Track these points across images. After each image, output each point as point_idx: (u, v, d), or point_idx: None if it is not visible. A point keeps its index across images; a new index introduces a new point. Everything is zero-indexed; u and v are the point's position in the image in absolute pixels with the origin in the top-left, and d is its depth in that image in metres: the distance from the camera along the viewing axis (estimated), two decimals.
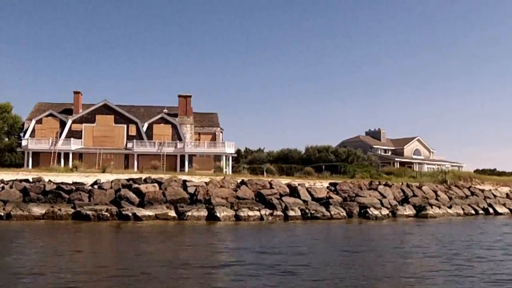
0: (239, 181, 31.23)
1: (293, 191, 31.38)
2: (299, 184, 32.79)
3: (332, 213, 29.65)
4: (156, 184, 29.34)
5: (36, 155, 52.49)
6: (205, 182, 30.07)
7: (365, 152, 72.66)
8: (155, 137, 55.73)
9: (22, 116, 57.36)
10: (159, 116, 56.68)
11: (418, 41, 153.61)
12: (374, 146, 74.39)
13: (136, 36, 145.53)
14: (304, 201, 30.57)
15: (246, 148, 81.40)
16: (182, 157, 54.39)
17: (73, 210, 26.16)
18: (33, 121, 54.10)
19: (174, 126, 56.70)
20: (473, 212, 37.65)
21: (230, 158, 56.36)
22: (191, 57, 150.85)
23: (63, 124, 54.68)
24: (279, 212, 28.42)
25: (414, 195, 37.01)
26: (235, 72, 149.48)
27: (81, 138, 54.26)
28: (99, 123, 55.00)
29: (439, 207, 36.08)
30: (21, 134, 55.59)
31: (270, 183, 31.47)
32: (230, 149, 56.13)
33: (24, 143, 52.25)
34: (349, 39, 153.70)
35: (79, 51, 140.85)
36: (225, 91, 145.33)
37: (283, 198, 30.00)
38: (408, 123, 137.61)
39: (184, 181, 29.88)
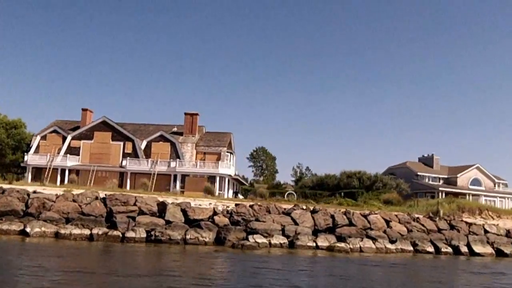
0: (102, 195, 27.78)
1: (162, 210, 27.25)
2: (178, 204, 28.43)
3: (188, 237, 25.02)
4: None
5: (39, 170, 53.44)
6: (57, 195, 27.11)
7: (409, 180, 64.63)
8: (153, 156, 53.97)
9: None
10: (158, 134, 54.98)
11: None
12: (420, 173, 65.54)
13: (167, 53, 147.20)
14: (168, 221, 26.31)
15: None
16: (176, 176, 52.10)
17: None
18: (38, 137, 55.33)
19: (173, 144, 54.57)
20: (430, 250, 30.31)
21: (227, 180, 52.58)
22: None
23: (66, 140, 55.25)
24: (117, 233, 24.54)
25: (350, 224, 30.66)
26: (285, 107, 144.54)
27: (79, 154, 54.29)
28: (97, 140, 54.60)
29: (374, 240, 29.49)
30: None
31: (136, 198, 27.60)
32: (226, 170, 52.51)
33: (26, 158, 53.54)
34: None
35: (97, 69, 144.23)
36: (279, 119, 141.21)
37: (139, 217, 26.08)
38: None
39: (29, 193, 27.19)
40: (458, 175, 65.81)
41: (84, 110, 57.63)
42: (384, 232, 31.01)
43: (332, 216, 30.75)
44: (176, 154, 54.00)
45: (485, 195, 64.80)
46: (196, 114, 57.21)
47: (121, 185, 51.70)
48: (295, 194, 55.66)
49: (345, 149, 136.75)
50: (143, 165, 52.66)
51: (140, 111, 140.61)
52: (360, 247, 28.53)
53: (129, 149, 54.11)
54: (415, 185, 64.38)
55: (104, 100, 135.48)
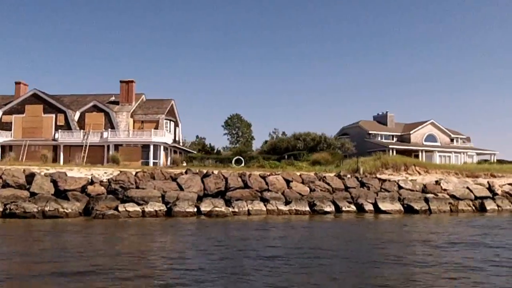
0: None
1: (30, 182, 25.73)
2: (50, 174, 26.87)
3: (47, 209, 23.53)
4: None
5: None
6: None
7: (361, 139, 63.15)
8: (87, 127, 52.25)
9: None
10: (91, 104, 53.09)
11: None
12: (372, 132, 63.83)
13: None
14: (34, 193, 24.83)
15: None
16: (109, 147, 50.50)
17: None
18: None
19: (107, 114, 52.79)
20: (329, 209, 29.25)
21: (161, 148, 50.90)
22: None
23: None
24: None
25: (245, 187, 29.25)
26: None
27: (11, 130, 52.58)
28: (28, 114, 52.71)
29: (266, 202, 28.14)
30: None
31: (3, 171, 26.05)
32: (161, 138, 50.80)
33: None
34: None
35: (36, 42, 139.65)
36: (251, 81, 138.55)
37: (0, 190, 24.61)
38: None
39: None
40: (411, 132, 64.05)
41: (17, 83, 55.61)
42: (283, 193, 29.61)
43: (226, 179, 29.30)
44: (110, 124, 52.28)
45: (439, 151, 63.18)
46: (132, 82, 55.30)
47: (56, 158, 50.19)
48: (242, 160, 54.20)
49: (318, 111, 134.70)
50: (75, 137, 50.94)
51: (84, 83, 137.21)
52: (249, 210, 27.21)
53: (61, 121, 52.30)
54: (367, 144, 62.79)
55: (44, 73, 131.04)
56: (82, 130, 51.36)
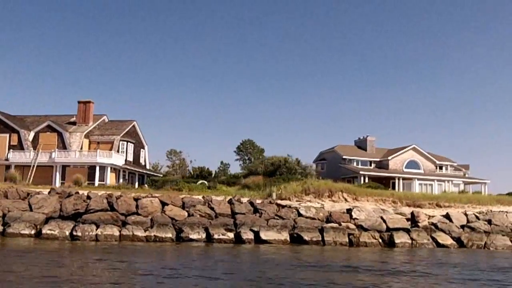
0: None
1: None
2: None
3: None
4: None
5: None
6: None
7: (337, 164, 59.98)
8: (42, 147, 51.74)
9: None
10: (45, 124, 52.67)
11: None
12: (346, 157, 60.30)
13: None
14: None
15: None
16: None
17: None
18: None
19: (60, 134, 52.10)
20: (195, 237, 26.62)
21: (108, 169, 49.40)
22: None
23: None
24: None
25: (111, 209, 27.16)
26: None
27: None
28: None
29: (121, 227, 25.99)
30: None
31: None
32: (109, 160, 49.46)
33: None
34: None
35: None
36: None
37: None
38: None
39: None
40: (389, 158, 60.06)
41: None
42: (152, 218, 27.26)
43: (89, 199, 27.31)
44: (63, 144, 51.54)
45: (419, 179, 58.85)
46: (90, 102, 54.84)
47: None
48: (206, 183, 52.28)
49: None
50: (27, 157, 50.37)
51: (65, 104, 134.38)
52: (97, 235, 24.99)
53: (15, 141, 52.00)
54: (342, 169, 59.42)
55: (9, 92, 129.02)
56: (34, 150, 50.78)
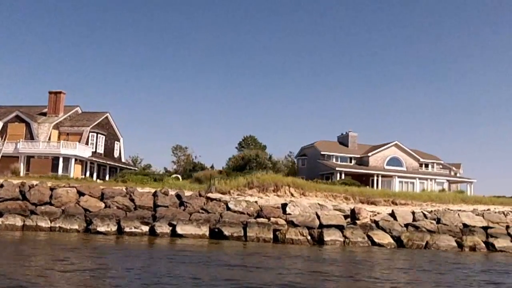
0: None
1: None
2: None
3: None
4: None
5: None
6: None
7: (315, 160, 58.37)
8: (10, 137, 51.34)
9: None
10: (13, 114, 52.27)
11: None
12: (324, 153, 58.45)
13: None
14: None
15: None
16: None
17: None
18: None
19: (28, 125, 51.63)
20: (103, 230, 25.69)
21: (72, 160, 48.63)
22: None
23: None
24: None
25: (23, 198, 26.29)
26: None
27: None
28: None
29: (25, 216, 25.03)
30: None
31: None
32: (73, 151, 48.68)
33: None
34: None
35: None
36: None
37: None
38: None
39: None
40: (370, 154, 58.04)
41: None
42: (64, 209, 26.26)
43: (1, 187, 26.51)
44: (30, 135, 51.09)
45: (400, 176, 56.75)
46: (61, 93, 54.32)
47: None
48: (179, 177, 51.36)
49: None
50: None
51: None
52: None
53: None
54: (320, 165, 57.70)
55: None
56: (1, 140, 50.38)
